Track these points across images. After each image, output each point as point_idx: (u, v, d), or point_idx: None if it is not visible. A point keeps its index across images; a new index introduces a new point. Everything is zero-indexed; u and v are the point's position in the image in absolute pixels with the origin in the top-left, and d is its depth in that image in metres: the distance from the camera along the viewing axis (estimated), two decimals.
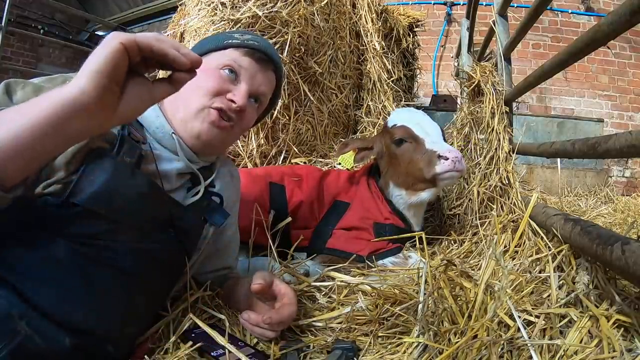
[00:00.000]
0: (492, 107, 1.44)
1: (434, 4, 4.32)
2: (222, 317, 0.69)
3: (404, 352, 0.64)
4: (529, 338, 0.61)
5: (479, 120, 1.52)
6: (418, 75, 2.71)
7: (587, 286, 0.70)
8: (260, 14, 1.49)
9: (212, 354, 0.60)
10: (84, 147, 0.55)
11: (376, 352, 0.67)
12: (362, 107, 2.12)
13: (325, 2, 1.73)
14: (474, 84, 1.54)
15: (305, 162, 1.71)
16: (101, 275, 0.55)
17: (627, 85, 3.94)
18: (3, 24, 3.16)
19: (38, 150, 0.43)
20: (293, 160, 1.71)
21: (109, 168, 0.56)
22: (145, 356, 0.58)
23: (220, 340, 0.62)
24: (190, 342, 0.62)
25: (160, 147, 0.68)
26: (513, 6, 2.08)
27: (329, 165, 1.71)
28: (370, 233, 1.19)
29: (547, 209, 0.97)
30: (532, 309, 0.69)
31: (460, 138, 1.65)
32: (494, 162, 1.38)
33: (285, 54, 1.55)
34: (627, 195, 2.91)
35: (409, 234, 1.19)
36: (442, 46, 4.31)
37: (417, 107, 1.62)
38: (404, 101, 2.24)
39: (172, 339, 0.63)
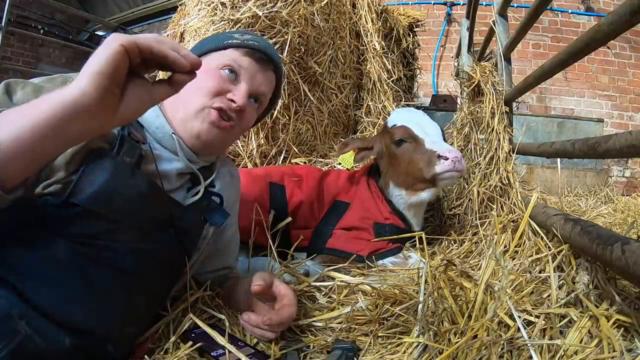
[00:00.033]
0: (492, 107, 1.44)
1: (434, 4, 4.32)
2: (222, 317, 0.70)
3: (404, 352, 0.64)
4: (529, 338, 0.61)
5: (479, 120, 1.52)
6: (418, 75, 2.71)
7: (587, 286, 0.70)
8: (260, 14, 1.49)
9: (212, 354, 0.60)
10: (83, 147, 0.55)
11: (376, 352, 0.67)
12: (362, 107, 2.12)
13: (325, 2, 1.73)
14: (474, 84, 1.54)
15: (305, 162, 1.71)
16: (101, 275, 0.55)
17: (627, 85, 3.94)
18: (3, 24, 3.16)
19: (38, 152, 0.43)
20: (293, 160, 1.71)
21: (109, 168, 0.56)
22: (145, 356, 0.58)
23: (220, 340, 0.62)
24: (190, 342, 0.62)
25: (160, 148, 0.68)
26: (513, 6, 2.08)
27: (329, 165, 1.71)
28: (370, 233, 1.19)
29: (547, 209, 0.97)
30: (532, 309, 0.69)
31: (460, 138, 1.65)
32: (494, 162, 1.38)
33: (285, 54, 1.55)
34: (627, 195, 2.91)
35: (409, 234, 1.19)
36: (442, 46, 4.30)
37: (417, 107, 1.62)
38: (404, 101, 2.24)
39: (172, 339, 0.63)
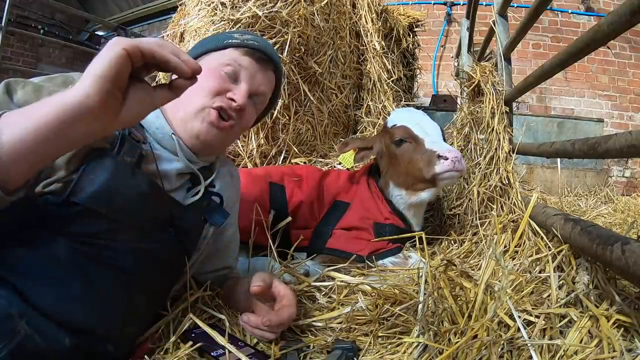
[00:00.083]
0: (492, 107, 1.44)
1: (434, 4, 4.32)
2: (222, 317, 0.70)
3: (404, 352, 0.64)
4: (529, 338, 0.61)
5: (479, 120, 1.52)
6: (418, 75, 2.71)
7: (587, 286, 0.70)
8: (260, 14, 1.49)
9: (212, 354, 0.60)
10: (84, 147, 0.55)
11: (376, 352, 0.67)
12: (362, 107, 2.12)
13: (325, 2, 1.73)
14: (474, 84, 1.54)
15: (305, 162, 1.71)
16: (101, 275, 0.55)
17: (627, 85, 3.94)
18: (3, 24, 3.16)
19: (41, 154, 0.43)
20: (293, 160, 1.71)
21: (109, 167, 0.56)
22: (145, 356, 0.58)
23: (220, 340, 0.62)
24: (190, 342, 0.62)
25: (160, 148, 0.68)
26: (513, 6, 2.08)
27: (329, 165, 1.71)
28: (370, 233, 1.19)
29: (547, 209, 0.97)
30: (532, 309, 0.69)
31: (460, 138, 1.65)
32: (494, 162, 1.38)
33: (285, 54, 1.55)
34: (627, 195, 2.91)
35: (409, 234, 1.19)
36: (442, 46, 4.31)
37: (417, 107, 1.62)
38: (404, 101, 2.24)
39: (172, 339, 0.63)
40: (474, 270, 1.02)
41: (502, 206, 1.29)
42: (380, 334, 0.71)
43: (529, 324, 0.67)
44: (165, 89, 0.51)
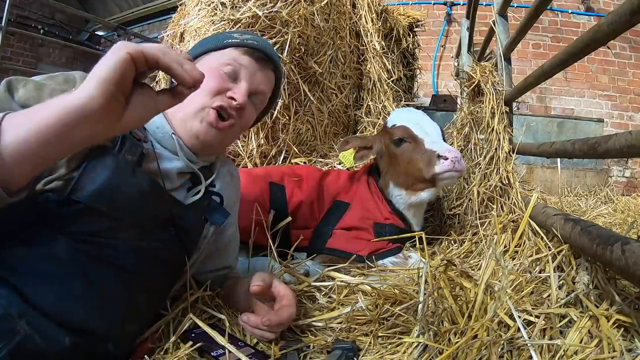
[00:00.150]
0: (492, 107, 1.44)
1: (434, 4, 4.32)
2: (222, 317, 0.70)
3: (404, 352, 0.64)
4: (529, 338, 0.61)
5: (479, 120, 1.52)
6: (418, 75, 2.71)
7: (587, 286, 0.69)
8: (260, 14, 1.49)
9: (212, 354, 0.60)
10: None
11: (376, 352, 0.67)
12: (362, 107, 2.12)
13: (325, 2, 1.72)
14: (474, 84, 1.54)
15: (305, 162, 1.71)
16: (102, 273, 0.55)
17: (627, 85, 3.94)
18: (3, 24, 3.16)
19: (44, 155, 0.43)
20: (293, 160, 1.71)
21: (110, 165, 0.56)
22: (145, 356, 0.58)
23: (220, 340, 0.62)
24: (190, 342, 0.62)
25: (160, 147, 0.68)
26: (513, 6, 2.08)
27: (329, 165, 1.71)
28: (370, 233, 1.19)
29: (547, 209, 0.97)
30: (532, 309, 0.69)
31: (460, 138, 1.65)
32: (494, 162, 1.38)
33: (285, 54, 1.55)
34: (627, 195, 2.91)
35: (409, 234, 1.19)
36: (442, 46, 4.31)
37: (417, 107, 1.62)
38: (404, 101, 2.24)
39: (172, 339, 0.63)
40: (474, 270, 1.02)
41: (502, 206, 1.29)
42: (380, 334, 0.71)
43: (529, 324, 0.67)
44: (168, 94, 0.51)
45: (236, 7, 1.53)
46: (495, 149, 1.39)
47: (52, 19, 5.28)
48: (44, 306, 0.49)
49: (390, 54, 2.25)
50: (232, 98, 0.69)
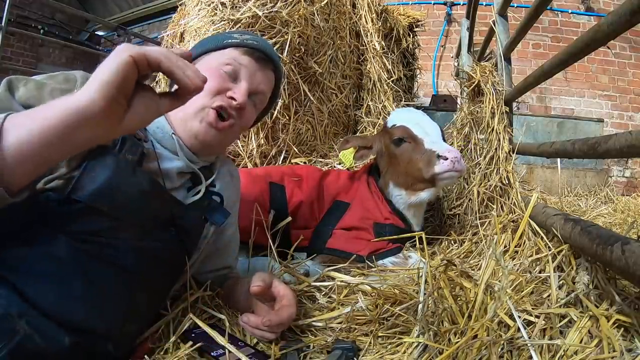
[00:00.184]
0: (492, 107, 1.44)
1: (434, 4, 4.32)
2: (222, 317, 0.70)
3: (404, 352, 0.64)
4: (529, 338, 0.61)
5: (479, 120, 1.52)
6: (418, 75, 2.71)
7: (587, 286, 0.69)
8: (260, 14, 1.49)
9: (212, 354, 0.60)
10: None
11: (376, 352, 0.67)
12: (362, 107, 2.11)
13: (325, 2, 1.72)
14: (474, 84, 1.54)
15: (305, 162, 1.71)
16: (102, 273, 0.55)
17: (627, 85, 3.94)
18: (3, 24, 3.16)
19: (46, 156, 0.43)
20: (293, 160, 1.71)
21: (111, 165, 0.56)
22: (145, 356, 0.58)
23: (220, 340, 0.62)
24: (190, 342, 0.62)
25: (161, 147, 0.68)
26: (513, 6, 2.08)
27: (329, 165, 1.71)
28: (370, 233, 1.19)
29: (547, 209, 0.97)
30: (532, 309, 0.69)
31: (460, 138, 1.65)
32: (494, 162, 1.38)
33: (285, 54, 1.55)
34: (627, 195, 2.91)
35: (409, 234, 1.19)
36: (442, 46, 4.31)
37: (417, 107, 1.62)
38: (404, 101, 2.24)
39: (172, 339, 0.63)
40: (474, 270, 1.02)
41: (502, 206, 1.29)
42: (380, 334, 0.71)
43: (529, 324, 0.67)
44: (170, 97, 0.51)
45: (236, 7, 1.52)
46: (495, 149, 1.39)
47: (52, 19, 5.28)
48: (44, 306, 0.49)
49: (390, 54, 2.25)
50: (232, 98, 0.69)
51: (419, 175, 1.18)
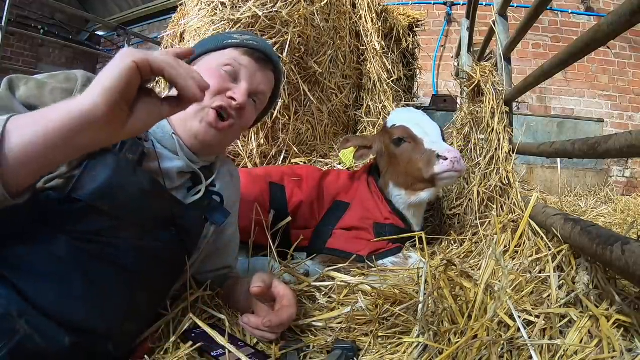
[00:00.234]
0: (492, 107, 1.44)
1: (434, 4, 4.32)
2: (222, 317, 0.70)
3: (404, 352, 0.64)
4: (529, 338, 0.61)
5: (479, 120, 1.52)
6: (418, 75, 2.71)
7: (587, 286, 0.69)
8: (260, 14, 1.49)
9: (212, 354, 0.60)
10: None
11: (376, 352, 0.67)
12: (362, 107, 2.12)
13: (325, 2, 1.72)
14: (474, 84, 1.54)
15: (305, 162, 1.71)
16: (103, 272, 0.55)
17: (627, 85, 3.94)
18: (3, 24, 3.16)
19: (49, 159, 0.43)
20: (293, 160, 1.71)
21: (111, 164, 0.56)
22: (145, 356, 0.58)
23: (220, 340, 0.62)
24: (190, 342, 0.62)
25: (161, 147, 0.68)
26: (513, 6, 2.08)
27: (329, 165, 1.71)
28: (370, 233, 1.19)
29: (547, 209, 0.97)
30: (532, 309, 0.69)
31: (460, 138, 1.65)
32: (494, 162, 1.38)
33: (285, 54, 1.55)
34: (627, 195, 2.91)
35: (409, 234, 1.19)
36: (442, 46, 4.31)
37: (417, 107, 1.62)
38: (404, 101, 2.24)
39: (172, 339, 0.63)
40: (474, 270, 1.02)
41: (502, 206, 1.29)
42: (380, 334, 0.71)
43: (529, 324, 0.67)
44: (172, 102, 0.51)
45: (236, 7, 1.53)
46: (495, 149, 1.39)
47: (52, 19, 5.28)
48: (44, 305, 0.49)
49: (390, 54, 2.25)
50: (232, 98, 0.69)
51: (418, 175, 1.18)
